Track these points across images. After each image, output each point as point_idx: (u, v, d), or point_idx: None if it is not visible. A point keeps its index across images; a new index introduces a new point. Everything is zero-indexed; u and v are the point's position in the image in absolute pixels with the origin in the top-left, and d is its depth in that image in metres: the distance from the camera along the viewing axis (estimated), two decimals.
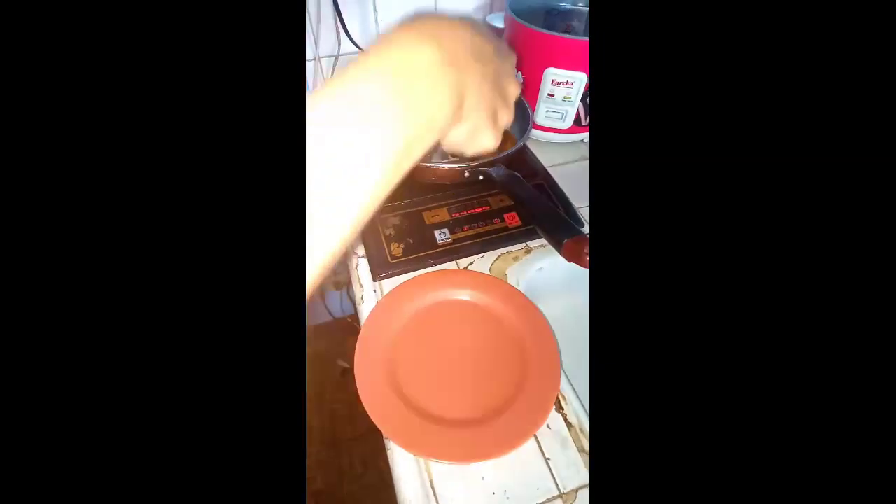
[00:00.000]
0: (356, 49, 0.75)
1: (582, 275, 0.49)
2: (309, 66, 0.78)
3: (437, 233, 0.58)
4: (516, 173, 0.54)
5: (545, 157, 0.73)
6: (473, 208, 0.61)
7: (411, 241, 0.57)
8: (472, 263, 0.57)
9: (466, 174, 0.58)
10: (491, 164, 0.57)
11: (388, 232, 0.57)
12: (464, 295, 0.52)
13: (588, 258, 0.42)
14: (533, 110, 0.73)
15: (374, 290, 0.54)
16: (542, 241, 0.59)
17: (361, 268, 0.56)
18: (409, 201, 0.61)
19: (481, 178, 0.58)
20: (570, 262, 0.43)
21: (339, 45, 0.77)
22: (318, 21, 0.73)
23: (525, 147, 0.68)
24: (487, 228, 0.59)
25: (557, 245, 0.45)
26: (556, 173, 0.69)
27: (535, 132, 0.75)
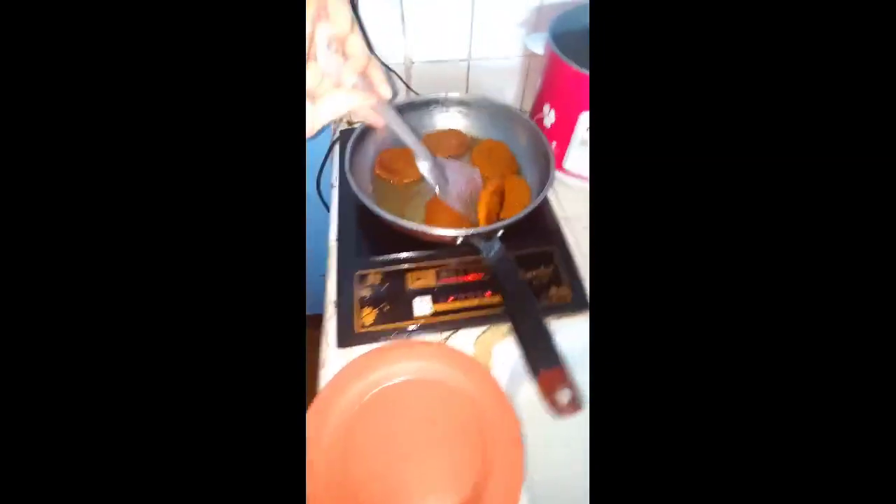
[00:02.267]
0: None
1: (579, 359, 0.41)
2: None
3: (417, 301, 0.52)
4: (509, 258, 0.47)
5: (571, 207, 0.64)
6: (465, 275, 0.54)
7: (386, 309, 0.52)
8: (454, 332, 0.51)
9: (459, 241, 0.51)
10: (488, 235, 0.49)
11: (363, 293, 0.52)
12: (428, 373, 0.47)
13: (560, 401, 0.35)
14: (563, 154, 0.63)
15: (339, 355, 0.50)
16: None
17: (332, 322, 0.51)
18: (395, 257, 0.55)
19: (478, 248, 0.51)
20: (543, 399, 0.36)
21: None
22: None
23: (545, 199, 0.59)
24: (476, 302, 0.52)
25: (531, 372, 0.38)
26: (577, 228, 0.60)
27: (564, 177, 0.66)
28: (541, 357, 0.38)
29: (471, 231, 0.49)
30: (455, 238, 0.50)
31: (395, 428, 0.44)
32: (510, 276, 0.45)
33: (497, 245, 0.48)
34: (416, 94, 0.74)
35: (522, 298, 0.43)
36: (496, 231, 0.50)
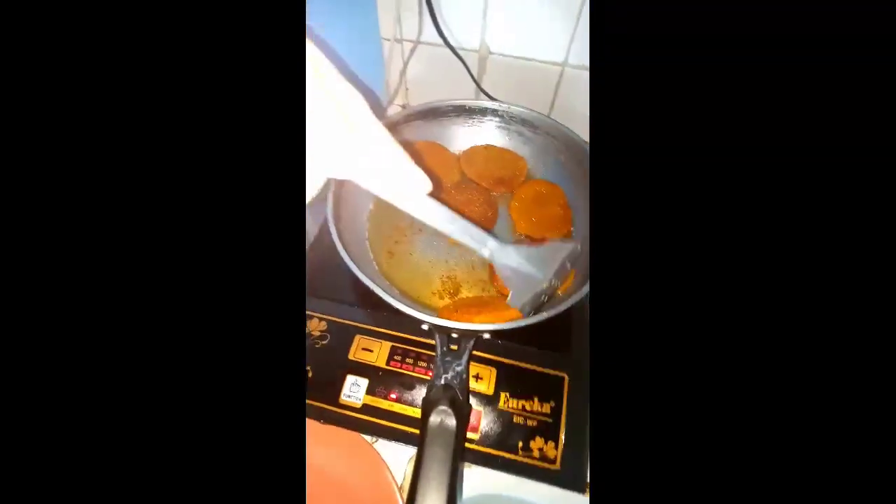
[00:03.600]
0: (440, 40, 0.52)
1: None
2: (386, 45, 0.58)
3: (350, 381, 0.38)
4: (464, 408, 0.29)
5: None
6: (419, 365, 0.39)
7: (309, 375, 0.38)
8: (376, 440, 0.37)
9: (424, 327, 0.36)
10: (458, 341, 0.33)
11: None
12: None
13: None
14: None
15: None
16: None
17: None
18: (347, 307, 0.41)
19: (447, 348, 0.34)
20: None
21: (421, 31, 0.55)
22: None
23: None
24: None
25: None
26: None
27: None
28: None
29: (440, 322, 0.33)
30: (421, 322, 0.35)
31: None
32: (450, 408, 0.28)
33: (464, 359, 0.31)
34: (486, 94, 0.57)
35: (446, 444, 0.27)
36: (477, 334, 0.34)
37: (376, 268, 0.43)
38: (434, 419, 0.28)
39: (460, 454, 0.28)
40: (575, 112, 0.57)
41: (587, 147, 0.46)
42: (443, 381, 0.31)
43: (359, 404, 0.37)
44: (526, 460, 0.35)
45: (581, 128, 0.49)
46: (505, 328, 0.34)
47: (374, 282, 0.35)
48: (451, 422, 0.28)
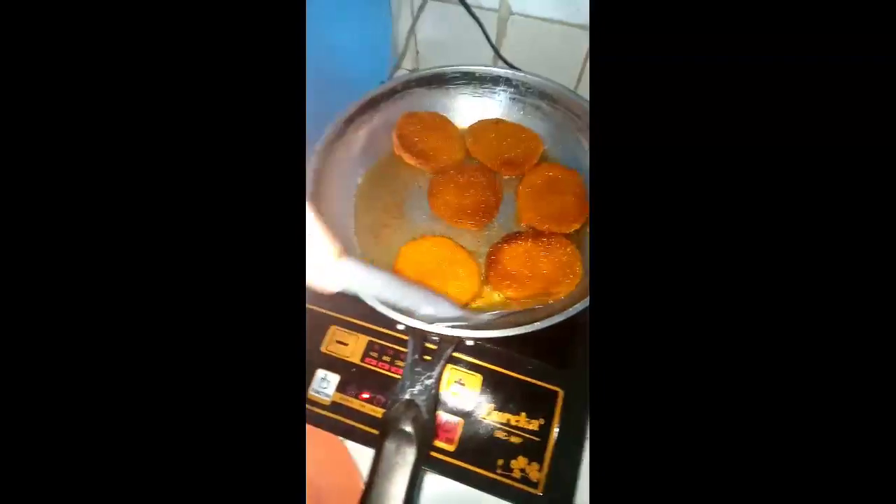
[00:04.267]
0: None
1: None
2: (394, 0, 0.52)
3: (320, 375, 0.35)
4: (427, 430, 0.25)
5: None
6: (397, 365, 0.35)
7: None
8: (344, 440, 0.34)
9: (400, 327, 0.32)
10: (428, 362, 0.28)
11: None
12: None
13: None
14: None
15: None
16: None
17: None
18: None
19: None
20: None
21: None
22: None
23: None
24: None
25: None
26: None
27: None
28: None
29: (416, 325, 0.29)
30: (394, 322, 0.30)
31: None
32: (413, 425, 0.24)
33: (436, 371, 0.27)
34: (505, 60, 0.50)
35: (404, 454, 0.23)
36: (458, 340, 0.29)
37: (359, 251, 0.39)
38: (390, 445, 0.24)
39: (417, 481, 0.25)
40: None
41: None
42: (407, 396, 0.27)
43: (327, 401, 0.34)
44: (504, 480, 0.32)
45: None
46: (492, 335, 0.29)
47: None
48: (410, 449, 0.24)
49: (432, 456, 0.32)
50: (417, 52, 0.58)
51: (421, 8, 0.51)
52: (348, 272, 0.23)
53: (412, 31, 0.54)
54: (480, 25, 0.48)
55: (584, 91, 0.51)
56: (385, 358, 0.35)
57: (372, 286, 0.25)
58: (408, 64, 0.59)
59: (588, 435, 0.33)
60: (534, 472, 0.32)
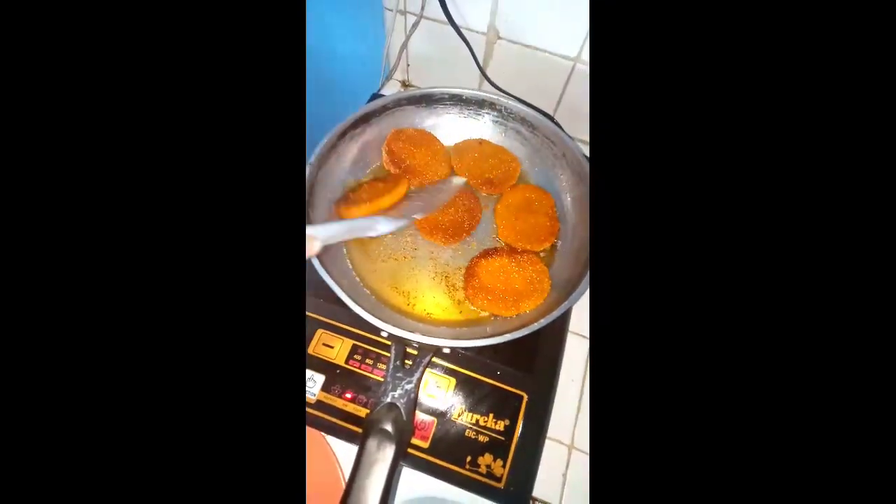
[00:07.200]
0: (445, 17, 0.48)
1: None
2: (388, 15, 0.54)
3: (306, 374, 0.38)
4: (406, 432, 0.29)
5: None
6: (379, 368, 0.38)
7: None
8: (328, 436, 0.37)
9: (383, 334, 0.35)
10: (408, 368, 0.32)
11: None
12: None
13: None
14: None
15: None
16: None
17: None
18: (312, 298, 0.40)
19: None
20: None
21: (425, 4, 0.50)
22: None
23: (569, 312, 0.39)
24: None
25: None
26: (577, 371, 0.40)
27: None
28: None
29: (398, 333, 0.32)
30: (378, 330, 0.34)
31: None
32: (393, 426, 0.28)
33: (415, 377, 0.31)
34: (489, 80, 0.53)
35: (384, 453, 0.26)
36: (436, 349, 0.33)
37: (348, 263, 0.42)
38: (372, 443, 0.27)
39: (395, 476, 0.28)
40: (581, 112, 0.53)
41: (585, 159, 0.43)
42: (389, 399, 0.30)
43: (312, 400, 0.37)
44: (471, 475, 0.35)
45: (586, 130, 0.45)
46: (468, 345, 0.33)
47: (344, 277, 0.33)
48: (390, 447, 0.27)
49: (408, 452, 0.35)
50: (408, 66, 0.60)
51: (414, 25, 0.53)
52: (316, 232, 0.28)
53: (405, 46, 0.56)
54: (469, 47, 0.51)
55: (563, 115, 0.55)
56: (368, 361, 0.38)
57: (334, 230, 0.30)
58: (399, 76, 0.61)
59: (546, 434, 0.37)
60: (498, 468, 0.36)
